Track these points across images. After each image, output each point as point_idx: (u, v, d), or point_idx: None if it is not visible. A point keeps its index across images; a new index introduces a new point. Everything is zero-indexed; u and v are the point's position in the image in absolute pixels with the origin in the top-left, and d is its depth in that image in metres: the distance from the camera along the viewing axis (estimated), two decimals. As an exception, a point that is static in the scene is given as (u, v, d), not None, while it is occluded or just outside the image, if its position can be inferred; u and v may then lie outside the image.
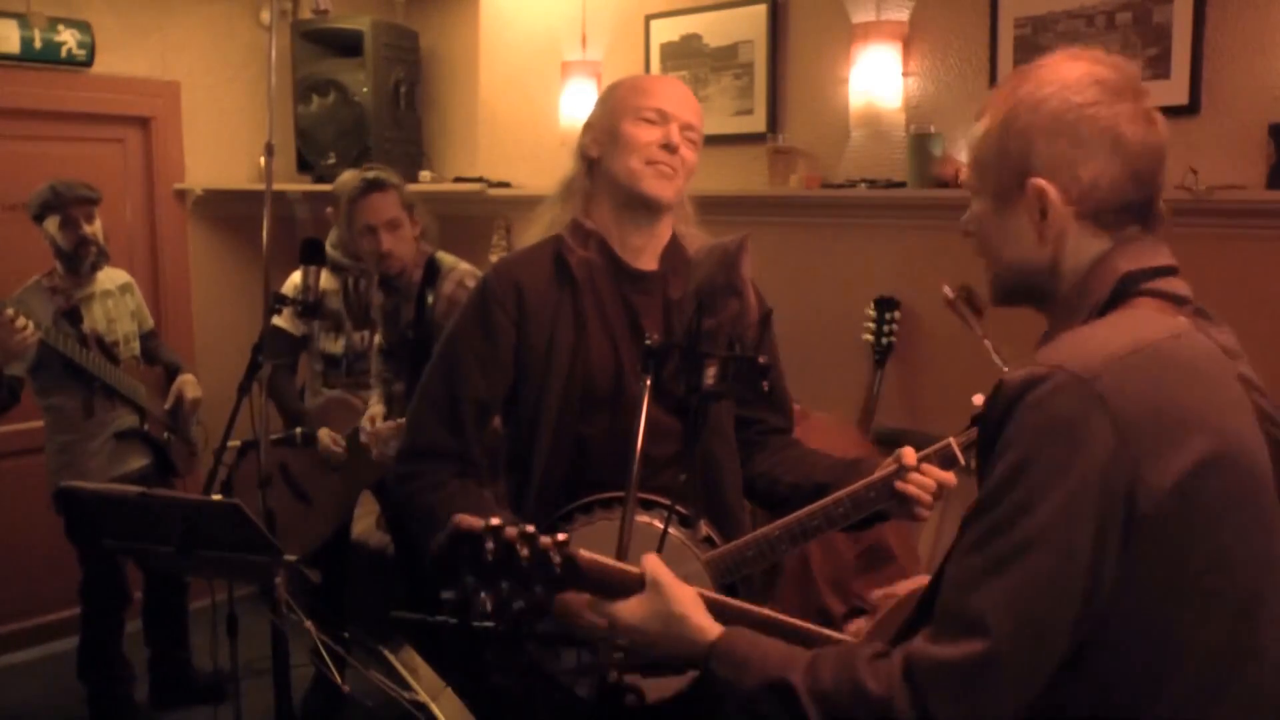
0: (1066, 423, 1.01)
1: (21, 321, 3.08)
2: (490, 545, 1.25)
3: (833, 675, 1.10)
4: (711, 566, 1.78)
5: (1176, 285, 1.16)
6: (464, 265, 3.27)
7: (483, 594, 1.25)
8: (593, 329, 1.86)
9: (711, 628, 1.26)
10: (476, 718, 1.75)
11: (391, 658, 1.83)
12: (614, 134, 1.86)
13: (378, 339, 3.47)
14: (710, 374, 1.55)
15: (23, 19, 4.02)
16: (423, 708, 1.72)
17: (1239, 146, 2.76)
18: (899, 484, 1.70)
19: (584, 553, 1.30)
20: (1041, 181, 1.13)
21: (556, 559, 1.27)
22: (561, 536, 1.29)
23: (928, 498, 1.70)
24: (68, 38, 4.14)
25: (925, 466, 1.71)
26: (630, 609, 1.30)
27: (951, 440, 1.73)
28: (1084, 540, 1.00)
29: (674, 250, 1.94)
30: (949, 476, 1.72)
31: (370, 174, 3.22)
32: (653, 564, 1.32)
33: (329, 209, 3.68)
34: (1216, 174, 2.74)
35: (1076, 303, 1.15)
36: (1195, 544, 1.04)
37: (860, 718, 1.07)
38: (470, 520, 1.25)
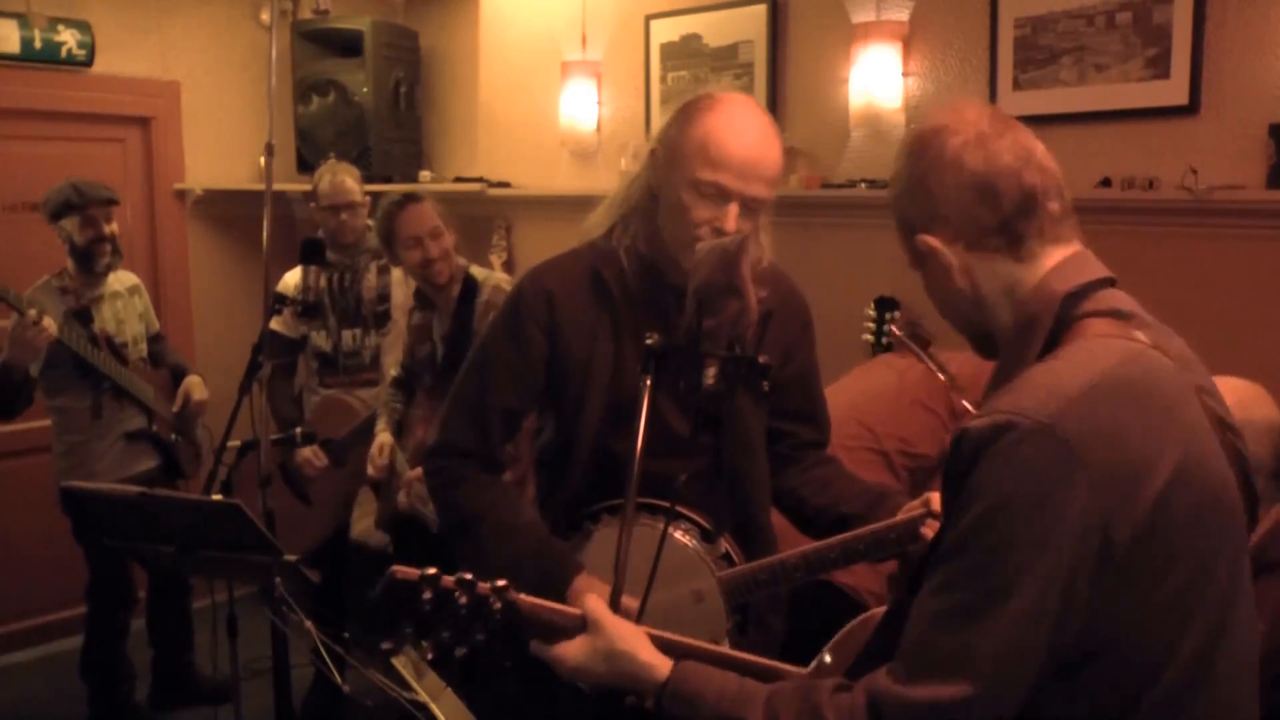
0: (1034, 470, 1.02)
1: (34, 315, 3.10)
2: (427, 595, 1.23)
3: (793, 712, 1.10)
4: (723, 585, 1.78)
5: (1118, 299, 1.18)
6: (497, 274, 3.29)
7: (424, 643, 1.24)
8: (629, 345, 1.82)
9: (661, 664, 1.26)
10: (476, 718, 1.75)
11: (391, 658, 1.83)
12: (672, 191, 1.74)
13: (393, 370, 3.46)
14: (710, 374, 1.55)
15: (23, 19, 4.02)
16: (423, 708, 1.72)
17: (1239, 146, 2.76)
18: (924, 529, 1.69)
19: (524, 597, 1.29)
20: (923, 236, 1.21)
21: (496, 604, 1.25)
22: (501, 582, 1.27)
23: None
24: (68, 38, 4.14)
25: None
26: (573, 650, 1.30)
27: None
28: (1057, 582, 1.01)
29: None
30: None
31: (398, 194, 3.24)
32: (593, 603, 1.32)
33: (311, 204, 3.67)
34: (1216, 174, 2.74)
35: (1024, 336, 1.17)
36: (1170, 563, 1.05)
37: None
38: (405, 571, 1.23)
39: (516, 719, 1.94)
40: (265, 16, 4.68)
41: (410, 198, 3.19)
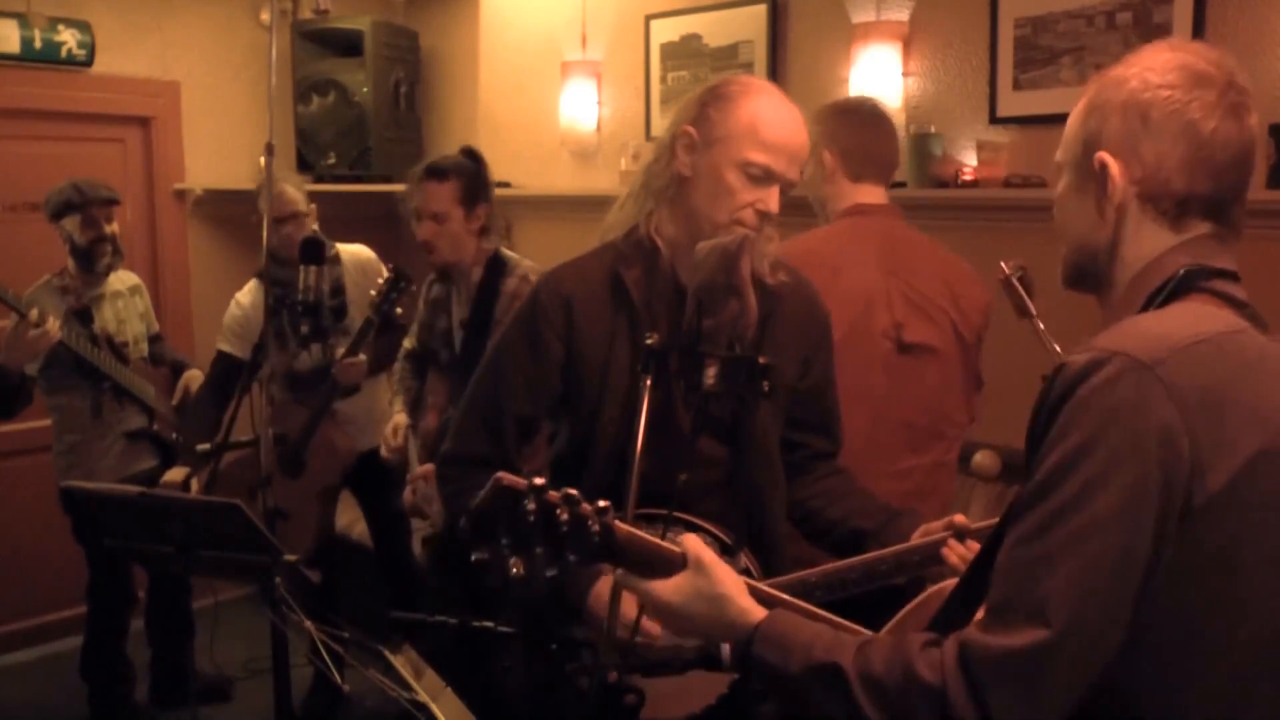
0: (1130, 408, 0.99)
1: (35, 317, 3.09)
2: (531, 505, 1.19)
3: (884, 661, 1.08)
4: None
5: (1236, 289, 1.15)
6: (527, 262, 3.14)
7: (514, 558, 1.20)
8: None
9: (755, 609, 1.22)
10: (477, 718, 1.75)
11: (391, 657, 1.84)
12: (713, 171, 1.72)
13: (407, 342, 3.38)
14: (710, 374, 1.55)
15: (23, 19, 4.02)
16: (423, 708, 1.72)
17: (1239, 146, 2.75)
18: (945, 550, 1.69)
19: (621, 524, 1.25)
20: (1106, 155, 1.14)
21: (595, 527, 1.22)
22: (603, 503, 1.23)
23: None
24: (68, 38, 4.14)
25: (970, 542, 1.69)
26: (671, 587, 1.25)
27: None
28: (1146, 527, 0.99)
29: None
30: None
31: (436, 161, 3.13)
32: (695, 543, 1.27)
33: (252, 217, 3.44)
34: (1216, 174, 2.74)
35: (1132, 295, 1.14)
36: (1246, 538, 1.03)
37: (912, 706, 1.04)
38: (513, 478, 1.20)
39: (517, 719, 1.94)
40: (265, 16, 4.68)
41: (434, 171, 3.08)
